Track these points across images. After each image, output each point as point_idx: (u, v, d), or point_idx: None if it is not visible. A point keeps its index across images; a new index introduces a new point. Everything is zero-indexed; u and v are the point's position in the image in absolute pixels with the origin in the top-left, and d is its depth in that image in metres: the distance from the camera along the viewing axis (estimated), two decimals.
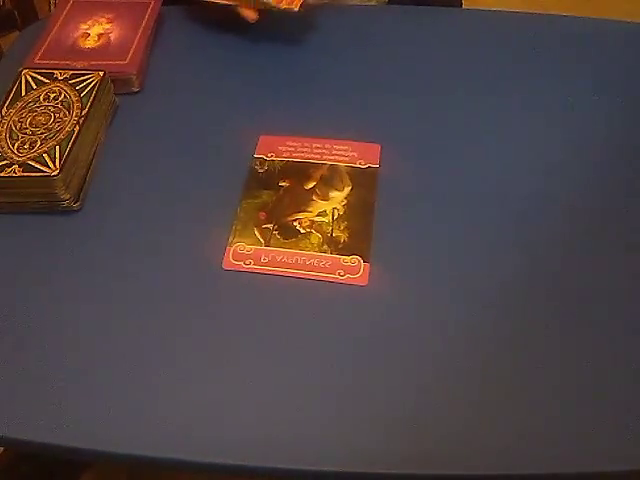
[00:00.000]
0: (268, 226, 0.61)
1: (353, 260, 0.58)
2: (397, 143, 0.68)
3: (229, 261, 0.59)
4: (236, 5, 0.77)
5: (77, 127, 0.65)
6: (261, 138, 0.69)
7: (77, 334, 0.54)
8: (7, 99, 0.68)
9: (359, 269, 0.58)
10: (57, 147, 0.63)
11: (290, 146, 0.68)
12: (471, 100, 0.73)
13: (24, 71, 0.71)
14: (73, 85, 0.69)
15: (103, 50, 0.77)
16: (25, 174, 0.61)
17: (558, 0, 1.55)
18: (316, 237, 0.60)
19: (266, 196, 0.64)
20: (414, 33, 0.83)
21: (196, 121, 0.72)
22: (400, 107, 0.73)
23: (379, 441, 0.48)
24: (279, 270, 0.58)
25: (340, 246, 0.60)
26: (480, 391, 0.50)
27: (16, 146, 0.63)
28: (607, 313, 0.55)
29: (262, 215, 0.62)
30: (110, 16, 0.81)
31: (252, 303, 0.56)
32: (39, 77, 0.71)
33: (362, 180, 0.65)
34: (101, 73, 0.71)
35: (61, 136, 0.64)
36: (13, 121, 0.66)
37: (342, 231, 0.61)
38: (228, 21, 0.80)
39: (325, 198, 0.64)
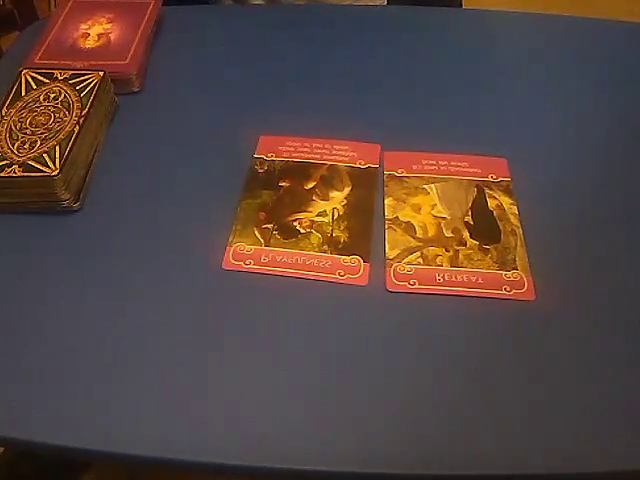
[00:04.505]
0: (268, 226, 0.61)
1: (353, 260, 0.58)
2: (397, 143, 0.68)
3: (229, 261, 0.59)
4: None
5: (77, 127, 0.65)
6: (261, 138, 0.69)
7: (77, 334, 0.54)
8: (7, 99, 0.68)
9: (359, 269, 0.58)
10: (57, 147, 0.63)
11: (290, 146, 0.68)
12: (471, 100, 0.73)
13: (24, 71, 0.71)
14: (73, 85, 0.69)
15: (103, 50, 0.77)
16: (25, 174, 0.61)
17: (558, 0, 1.54)
18: (316, 237, 0.60)
19: (266, 196, 0.64)
20: (414, 33, 0.83)
21: (196, 121, 0.72)
22: (400, 107, 0.72)
23: (379, 441, 0.48)
24: (279, 270, 0.58)
25: (340, 246, 0.59)
26: (480, 391, 0.50)
27: (16, 146, 0.63)
28: (608, 313, 0.55)
29: (262, 215, 0.62)
30: (110, 16, 0.81)
31: (252, 303, 0.56)
32: (39, 77, 0.70)
33: (362, 180, 0.65)
34: (101, 73, 0.71)
35: (61, 136, 0.64)
36: (13, 121, 0.66)
37: (342, 231, 0.61)
38: (228, 21, 0.80)
39: (325, 198, 0.64)
